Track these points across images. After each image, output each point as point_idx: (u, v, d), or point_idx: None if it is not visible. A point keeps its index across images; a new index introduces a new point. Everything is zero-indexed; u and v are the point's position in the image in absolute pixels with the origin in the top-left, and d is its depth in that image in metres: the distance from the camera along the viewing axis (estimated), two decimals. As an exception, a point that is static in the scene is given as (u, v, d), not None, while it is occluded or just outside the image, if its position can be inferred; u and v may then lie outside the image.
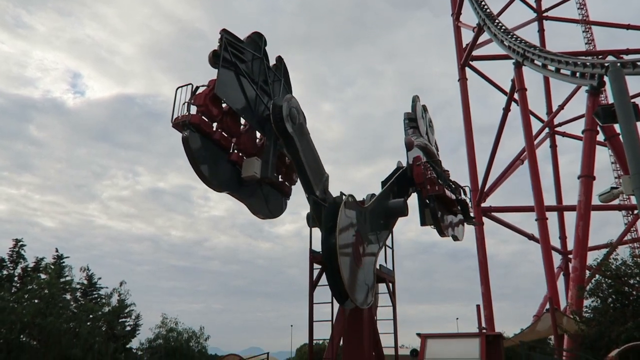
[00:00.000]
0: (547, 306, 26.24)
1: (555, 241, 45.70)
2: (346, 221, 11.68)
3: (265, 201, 12.28)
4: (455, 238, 18.37)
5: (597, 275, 23.68)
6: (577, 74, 30.30)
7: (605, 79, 28.32)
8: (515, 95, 38.80)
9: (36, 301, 27.91)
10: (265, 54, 12.38)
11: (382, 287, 14.27)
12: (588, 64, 29.50)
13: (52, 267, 31.70)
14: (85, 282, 35.38)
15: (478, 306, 28.65)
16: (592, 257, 27.74)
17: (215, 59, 10.48)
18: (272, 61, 12.96)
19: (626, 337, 18.43)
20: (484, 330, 28.37)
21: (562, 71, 31.83)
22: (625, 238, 41.59)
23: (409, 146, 15.37)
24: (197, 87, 10.49)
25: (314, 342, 11.08)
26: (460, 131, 46.52)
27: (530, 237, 42.14)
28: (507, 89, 42.30)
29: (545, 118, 51.89)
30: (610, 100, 7.90)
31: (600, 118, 7.50)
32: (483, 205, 41.85)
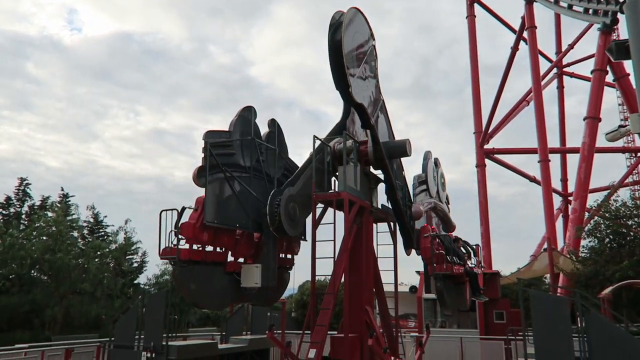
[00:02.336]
0: (545, 246, 26.81)
1: (556, 183, 45.93)
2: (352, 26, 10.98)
3: (268, 288, 11.07)
4: (459, 310, 17.32)
5: (595, 217, 23.99)
6: (590, 11, 29.26)
7: (619, 16, 27.36)
8: (525, 34, 37.67)
9: (44, 238, 28.59)
10: (256, 130, 11.05)
11: (383, 226, 14.45)
12: (602, 0, 28.40)
13: (59, 205, 32.22)
14: (92, 220, 36.08)
15: (477, 246, 29.24)
16: (593, 199, 28.02)
17: (200, 173, 9.15)
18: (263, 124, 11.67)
19: (620, 275, 18.89)
20: (482, 269, 29.16)
21: (574, 8, 30.74)
22: (627, 180, 41.77)
23: (416, 216, 14.15)
24: (184, 209, 9.21)
25: (316, 278, 11.33)
26: (466, 71, 45.64)
27: (532, 179, 42.33)
28: (517, 28, 41.04)
29: (554, 58, 50.63)
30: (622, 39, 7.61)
31: (613, 54, 7.26)
32: (486, 146, 41.72)
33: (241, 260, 10.66)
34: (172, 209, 9.11)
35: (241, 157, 10.44)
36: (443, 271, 13.01)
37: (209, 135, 9.56)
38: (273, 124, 11.96)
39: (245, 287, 10.22)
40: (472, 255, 16.83)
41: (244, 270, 10.26)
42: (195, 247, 9.40)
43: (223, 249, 10.08)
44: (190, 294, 9.17)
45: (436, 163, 16.58)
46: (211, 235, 9.51)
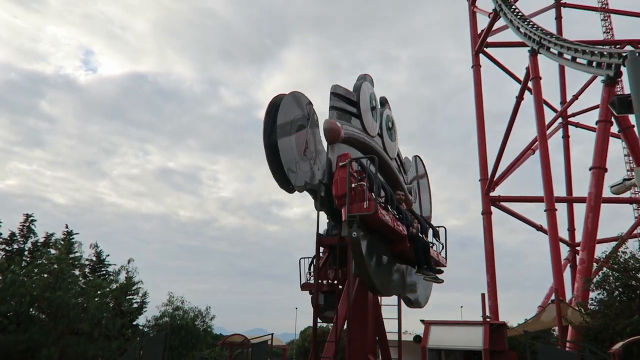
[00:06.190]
0: (553, 297, 26.20)
1: (563, 233, 45.46)
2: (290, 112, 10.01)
3: None
4: (410, 302, 13.33)
5: (604, 268, 23.56)
6: (594, 64, 29.71)
7: (622, 69, 27.78)
8: (529, 84, 38.29)
9: (45, 275, 28.32)
10: None
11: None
12: (605, 53, 28.89)
13: (62, 242, 32.10)
14: (94, 258, 35.83)
15: (483, 295, 28.60)
16: (601, 250, 27.56)
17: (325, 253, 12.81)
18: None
19: (631, 329, 18.37)
20: (488, 319, 28.48)
21: (578, 60, 31.26)
22: (635, 231, 41.25)
23: (329, 134, 9.66)
24: (314, 257, 12.31)
25: (318, 324, 11.17)
26: (472, 119, 46.16)
27: (539, 228, 41.90)
28: (522, 77, 41.77)
29: (559, 108, 51.23)
30: (626, 92, 7.72)
31: (616, 108, 7.34)
32: (492, 194, 41.65)
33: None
34: (307, 257, 13.34)
35: None
36: (363, 211, 8.53)
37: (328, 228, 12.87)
38: None
39: None
40: (433, 237, 12.44)
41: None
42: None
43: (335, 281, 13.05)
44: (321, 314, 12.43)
45: (384, 101, 12.55)
46: (331, 273, 12.85)
